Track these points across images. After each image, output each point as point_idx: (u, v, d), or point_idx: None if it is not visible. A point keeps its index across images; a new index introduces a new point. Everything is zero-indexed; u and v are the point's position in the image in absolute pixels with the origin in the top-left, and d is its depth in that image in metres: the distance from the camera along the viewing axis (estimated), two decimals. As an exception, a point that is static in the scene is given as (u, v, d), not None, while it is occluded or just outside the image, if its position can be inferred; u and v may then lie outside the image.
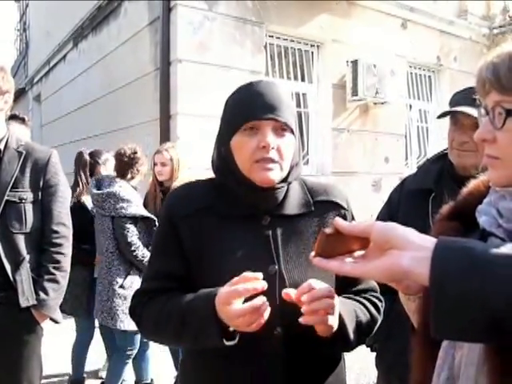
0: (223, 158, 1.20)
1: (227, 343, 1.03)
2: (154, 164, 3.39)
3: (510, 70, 0.79)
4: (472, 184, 0.96)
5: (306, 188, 1.26)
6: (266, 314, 1.00)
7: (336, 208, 1.24)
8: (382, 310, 1.26)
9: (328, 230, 0.79)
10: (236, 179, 1.17)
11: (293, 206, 1.21)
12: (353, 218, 1.28)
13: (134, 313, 1.23)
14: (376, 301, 1.26)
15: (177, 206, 1.21)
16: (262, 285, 1.00)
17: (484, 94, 0.85)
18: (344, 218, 1.22)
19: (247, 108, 1.14)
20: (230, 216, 1.17)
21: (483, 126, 0.85)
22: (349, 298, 1.21)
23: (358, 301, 1.22)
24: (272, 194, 1.17)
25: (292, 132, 1.17)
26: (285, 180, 1.19)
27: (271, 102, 1.14)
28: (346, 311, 1.12)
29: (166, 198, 1.30)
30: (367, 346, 1.90)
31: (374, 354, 1.94)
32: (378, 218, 1.85)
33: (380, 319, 1.25)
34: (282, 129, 1.15)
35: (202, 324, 1.05)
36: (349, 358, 1.30)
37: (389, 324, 1.55)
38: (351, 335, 1.11)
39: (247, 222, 1.16)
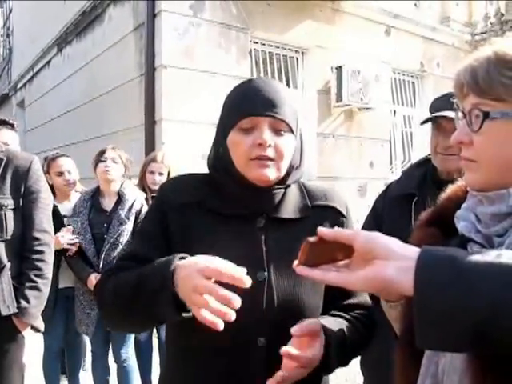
0: (220, 157, 1.14)
1: (184, 314, 0.93)
2: (150, 172, 3.32)
3: (488, 73, 0.79)
4: (450, 189, 0.96)
5: (306, 192, 1.21)
6: (232, 315, 0.86)
7: (334, 214, 1.18)
8: (372, 330, 1.18)
9: (312, 239, 0.77)
10: (232, 178, 1.12)
11: (289, 210, 1.15)
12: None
13: (98, 285, 1.16)
14: (367, 322, 1.17)
15: (169, 195, 1.16)
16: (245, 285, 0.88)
17: (462, 97, 0.85)
18: (341, 226, 1.17)
19: (244, 104, 1.09)
20: (222, 214, 1.12)
21: (460, 129, 0.85)
22: (338, 315, 1.14)
23: (348, 321, 1.13)
24: (269, 195, 1.12)
25: (292, 131, 1.11)
26: (283, 182, 1.14)
27: (270, 99, 1.08)
28: (335, 339, 1.03)
29: (159, 187, 1.24)
30: None
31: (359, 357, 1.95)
32: (364, 226, 1.86)
33: (369, 340, 1.18)
34: (280, 127, 1.09)
35: (156, 288, 0.95)
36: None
37: None
38: (333, 364, 1.03)
39: (240, 223, 1.11)
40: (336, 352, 1.02)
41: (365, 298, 1.20)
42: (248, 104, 1.09)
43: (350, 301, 1.18)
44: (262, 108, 1.07)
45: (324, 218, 1.16)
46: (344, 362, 1.10)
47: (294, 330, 0.95)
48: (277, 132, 1.09)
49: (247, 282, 0.87)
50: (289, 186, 1.17)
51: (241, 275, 0.87)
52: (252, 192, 1.11)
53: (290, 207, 1.16)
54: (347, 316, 1.14)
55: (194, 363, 1.08)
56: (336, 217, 1.19)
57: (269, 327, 1.04)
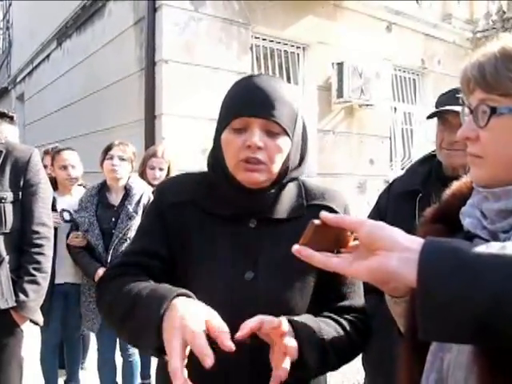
0: (214, 155, 1.14)
1: (160, 356, 0.91)
2: (150, 167, 3.29)
3: (496, 68, 0.79)
4: (454, 186, 0.96)
5: (304, 191, 1.17)
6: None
7: None
8: (365, 334, 1.13)
9: (316, 221, 0.76)
10: (226, 178, 1.11)
11: (283, 210, 1.13)
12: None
13: (100, 283, 1.14)
14: (358, 323, 1.12)
15: (166, 194, 1.16)
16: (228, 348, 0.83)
17: (468, 92, 0.85)
18: None
19: (238, 103, 1.07)
20: (216, 214, 1.11)
21: (466, 125, 0.85)
22: (325, 316, 1.10)
23: (334, 320, 1.09)
24: (261, 196, 1.10)
25: (287, 133, 1.08)
26: (277, 182, 1.11)
27: (265, 99, 1.04)
28: (304, 331, 0.99)
29: (156, 187, 1.26)
30: None
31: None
32: None
33: (362, 344, 1.13)
34: (274, 129, 1.06)
35: (143, 325, 0.93)
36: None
37: (376, 323, 1.55)
38: (308, 356, 0.97)
39: (233, 223, 1.10)
40: (311, 347, 0.98)
41: (358, 302, 1.17)
42: (241, 104, 1.06)
43: (343, 303, 1.15)
44: (256, 109, 1.04)
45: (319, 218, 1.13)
46: (330, 363, 1.05)
47: (236, 336, 0.90)
48: (270, 134, 1.06)
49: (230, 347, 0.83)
50: (283, 185, 1.14)
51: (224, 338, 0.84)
52: (245, 193, 1.10)
53: (284, 207, 1.13)
54: (334, 316, 1.11)
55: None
56: None
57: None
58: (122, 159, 2.98)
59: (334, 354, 1.04)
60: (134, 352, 3.09)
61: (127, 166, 3.01)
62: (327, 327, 1.05)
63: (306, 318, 1.04)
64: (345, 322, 1.10)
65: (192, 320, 0.85)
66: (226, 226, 1.11)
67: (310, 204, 1.15)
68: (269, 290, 1.07)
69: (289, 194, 1.15)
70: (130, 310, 0.98)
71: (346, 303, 1.15)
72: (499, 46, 0.81)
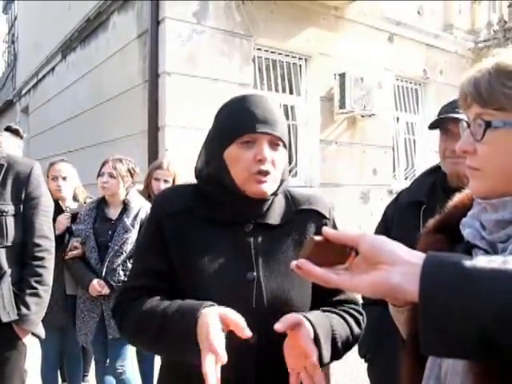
0: (213, 169, 1.21)
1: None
2: (155, 179, 3.29)
3: (490, 84, 0.82)
4: (457, 197, 0.98)
5: (291, 198, 1.29)
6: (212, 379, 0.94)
7: (317, 217, 1.26)
8: (362, 324, 1.25)
9: (317, 238, 0.76)
10: (224, 189, 1.19)
11: (276, 216, 1.23)
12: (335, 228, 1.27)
13: (117, 310, 1.21)
14: (356, 314, 1.24)
15: (163, 204, 1.23)
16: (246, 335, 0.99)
17: (466, 107, 0.87)
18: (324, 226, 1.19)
19: (244, 121, 1.17)
20: (213, 220, 1.19)
21: (464, 138, 0.87)
22: (327, 310, 1.19)
23: (337, 313, 1.20)
24: (257, 204, 1.20)
25: (285, 146, 1.21)
26: (273, 192, 1.21)
27: (267, 117, 1.17)
28: (322, 329, 1.08)
29: (153, 200, 1.33)
30: (361, 357, 1.89)
31: (366, 365, 1.93)
32: (375, 232, 1.85)
33: (361, 334, 1.24)
34: (276, 143, 1.18)
35: (181, 337, 1.03)
36: (340, 368, 1.28)
37: (380, 334, 1.55)
38: (324, 354, 1.07)
39: (230, 228, 1.19)
40: (325, 341, 1.07)
41: (352, 295, 1.27)
42: (248, 121, 1.16)
43: (339, 297, 1.24)
44: (261, 126, 1.15)
45: (307, 221, 1.26)
46: (337, 355, 1.14)
47: (276, 326, 1.00)
48: (273, 147, 1.18)
49: (248, 334, 0.99)
50: (276, 195, 1.24)
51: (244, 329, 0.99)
52: (242, 202, 1.19)
53: (276, 214, 1.24)
54: (336, 310, 1.20)
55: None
56: (319, 219, 1.26)
57: (259, 326, 1.06)
58: (111, 176, 3.02)
59: (342, 348, 1.15)
60: (125, 370, 3.02)
61: (117, 183, 3.03)
62: (336, 323, 1.15)
63: (320, 317, 1.12)
64: (346, 315, 1.21)
65: (213, 326, 0.98)
66: (224, 231, 1.19)
67: (298, 210, 1.27)
68: (270, 287, 1.15)
69: (279, 202, 1.26)
70: (161, 330, 1.08)
71: (342, 297, 1.25)
72: (493, 62, 0.84)
